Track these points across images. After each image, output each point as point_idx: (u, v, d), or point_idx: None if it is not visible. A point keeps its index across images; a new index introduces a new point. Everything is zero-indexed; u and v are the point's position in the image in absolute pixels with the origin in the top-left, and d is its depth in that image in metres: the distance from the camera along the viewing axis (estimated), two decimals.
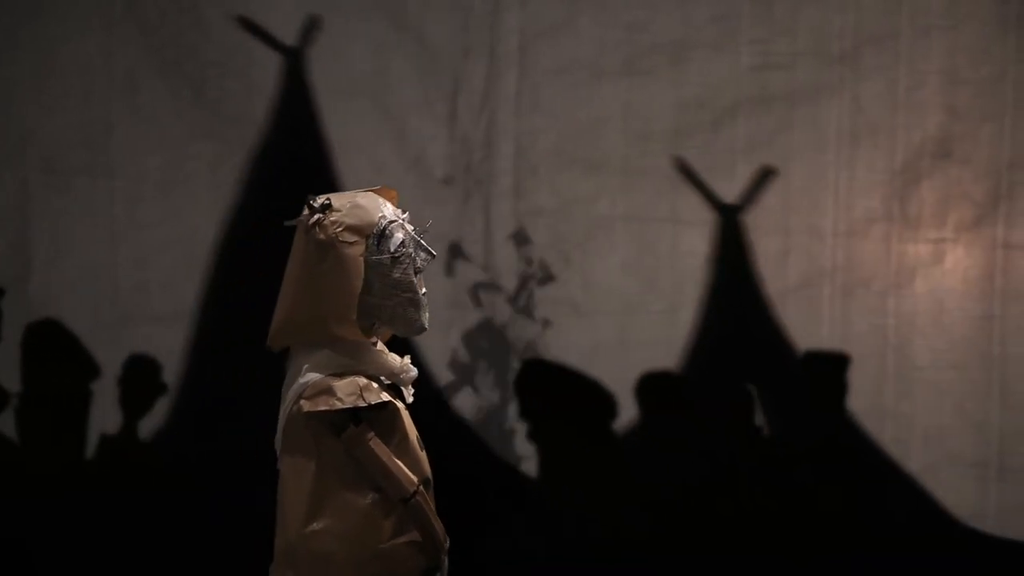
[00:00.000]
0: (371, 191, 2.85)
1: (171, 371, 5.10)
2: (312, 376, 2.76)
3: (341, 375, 2.75)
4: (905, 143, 5.02)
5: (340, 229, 2.74)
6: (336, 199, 2.79)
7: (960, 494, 5.06)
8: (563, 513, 5.00)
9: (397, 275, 2.80)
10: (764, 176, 4.97)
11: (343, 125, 5.01)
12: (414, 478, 2.80)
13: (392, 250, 2.77)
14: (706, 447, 5.01)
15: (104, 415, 5.07)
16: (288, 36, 5.02)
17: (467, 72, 5.02)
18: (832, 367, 5.01)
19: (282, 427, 2.84)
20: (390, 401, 2.79)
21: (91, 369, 5.09)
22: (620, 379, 5.07)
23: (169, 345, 5.11)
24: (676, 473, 5.00)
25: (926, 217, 5.04)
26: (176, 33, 5.02)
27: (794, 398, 5.06)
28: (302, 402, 2.76)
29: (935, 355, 5.05)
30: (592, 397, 5.04)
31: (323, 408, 2.73)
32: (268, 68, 5.00)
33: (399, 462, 2.79)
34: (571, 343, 5.09)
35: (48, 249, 5.13)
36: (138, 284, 5.11)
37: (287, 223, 2.83)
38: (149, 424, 5.10)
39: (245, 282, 4.85)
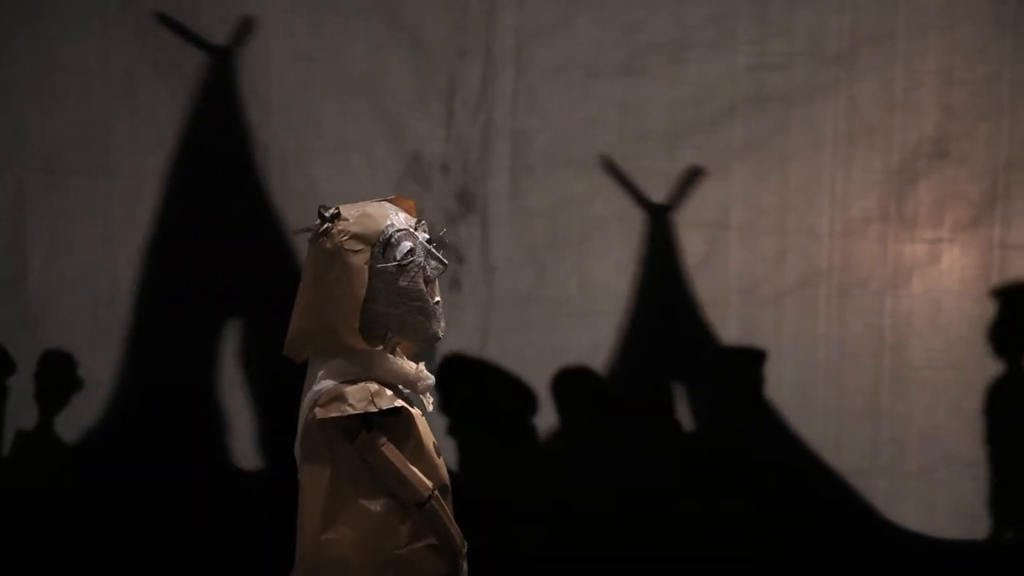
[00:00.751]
0: (387, 200, 2.87)
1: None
2: (326, 384, 2.78)
3: (354, 382, 2.77)
4: (901, 143, 5.02)
5: (346, 238, 2.76)
6: (346, 209, 2.82)
7: (956, 494, 5.06)
8: (480, 508, 4.97)
9: (404, 283, 2.80)
10: (692, 175, 4.97)
11: (339, 125, 5.02)
12: (428, 483, 2.80)
13: (398, 258, 2.78)
14: (629, 446, 5.00)
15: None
16: (285, 35, 5.03)
17: (463, 72, 5.03)
18: (751, 363, 5.01)
19: (300, 435, 2.85)
20: (403, 406, 2.80)
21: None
22: (614, 378, 5.07)
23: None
24: (597, 473, 4.99)
25: (923, 217, 5.04)
26: (172, 33, 5.03)
27: (720, 397, 5.05)
28: (316, 409, 2.77)
29: (931, 355, 5.05)
30: (513, 394, 5.03)
31: (335, 414, 2.74)
32: (262, 67, 5.01)
33: (413, 468, 2.79)
34: (568, 343, 5.09)
35: (46, 249, 5.14)
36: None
37: (295, 232, 2.85)
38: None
39: (166, 284, 4.92)
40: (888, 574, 5.04)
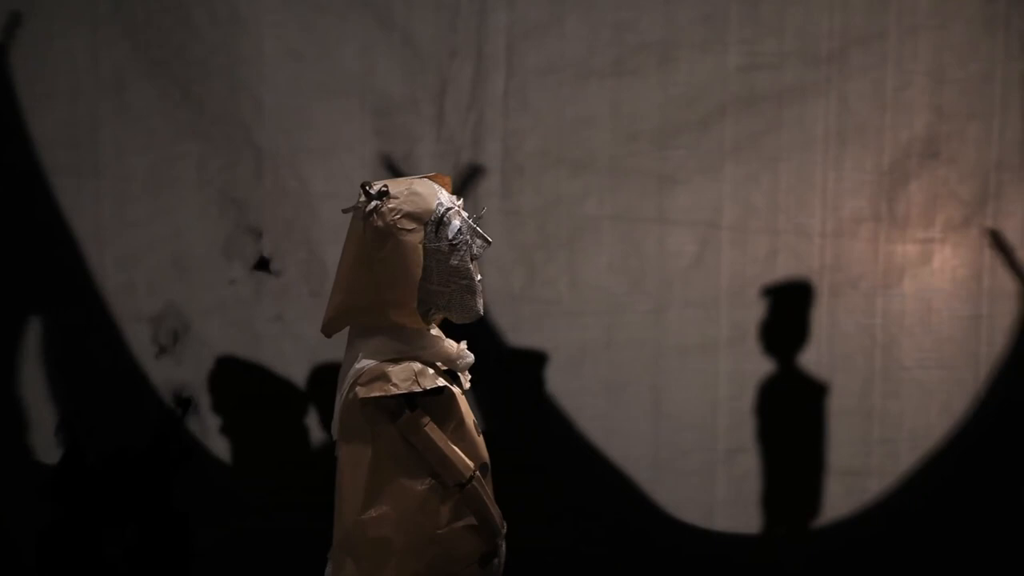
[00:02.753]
0: (426, 178, 2.85)
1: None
2: (367, 363, 2.76)
3: (396, 361, 2.75)
4: (893, 143, 5.03)
5: (398, 216, 2.75)
6: (392, 186, 2.79)
7: None
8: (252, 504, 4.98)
9: (455, 262, 2.81)
10: (473, 173, 4.96)
11: (331, 124, 5.01)
12: (470, 463, 2.79)
13: (450, 237, 2.79)
14: None
15: None
16: (282, 35, 5.01)
17: (454, 72, 5.02)
18: (533, 365, 5.02)
19: (338, 414, 2.82)
20: (445, 386, 2.79)
21: None
22: (607, 378, 5.07)
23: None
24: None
25: (914, 217, 5.04)
26: (163, 33, 5.01)
27: (500, 398, 5.05)
28: (357, 389, 2.75)
29: (922, 355, 5.06)
30: (284, 393, 5.03)
31: (378, 394, 2.73)
32: (254, 66, 5.00)
33: (455, 447, 2.78)
34: (559, 342, 5.09)
35: (36, 248, 5.13)
36: (124, 284, 5.10)
37: (344, 210, 2.83)
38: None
39: None
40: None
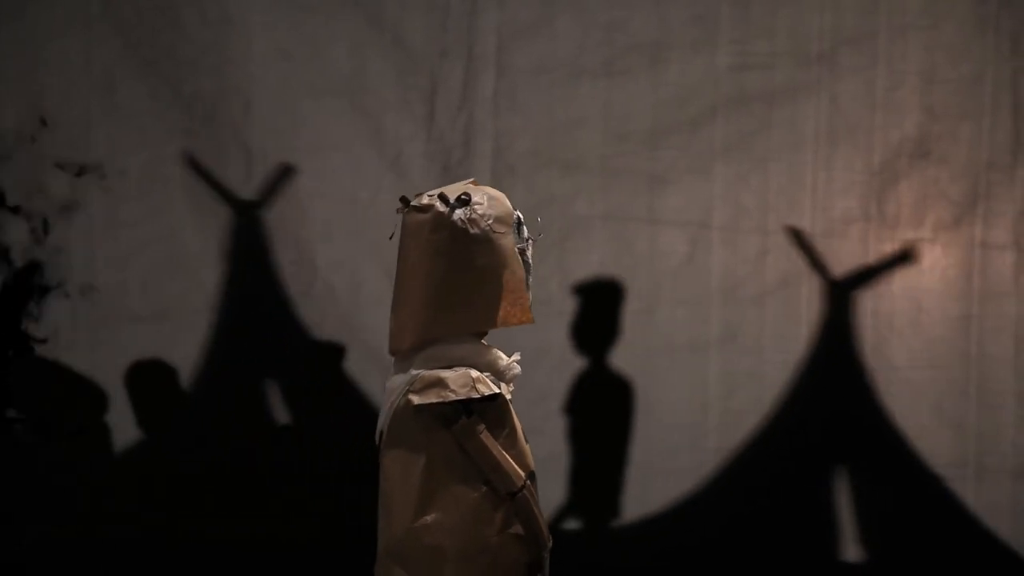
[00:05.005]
0: (469, 183, 2.86)
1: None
2: (420, 371, 2.76)
3: (451, 368, 2.76)
4: (883, 143, 5.03)
5: (491, 221, 2.77)
6: (474, 193, 2.80)
7: None
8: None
9: (529, 261, 2.85)
10: (283, 173, 4.97)
11: (321, 124, 5.01)
12: (521, 472, 2.80)
13: (526, 237, 2.82)
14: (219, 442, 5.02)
15: None
16: (272, 34, 5.02)
17: (445, 72, 5.02)
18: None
19: (386, 422, 2.82)
20: (499, 393, 2.80)
21: None
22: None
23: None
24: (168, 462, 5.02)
25: (904, 217, 5.04)
26: (154, 32, 5.02)
27: (317, 396, 5.07)
28: (411, 396, 2.76)
29: (912, 355, 5.05)
30: (81, 392, 5.03)
31: (434, 400, 2.74)
32: (243, 67, 5.00)
33: (507, 456, 2.79)
34: (551, 342, 5.09)
35: (27, 248, 5.13)
36: (117, 284, 5.10)
37: (408, 211, 2.81)
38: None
39: None
40: None
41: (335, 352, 5.07)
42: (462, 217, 2.76)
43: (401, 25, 4.99)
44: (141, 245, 5.10)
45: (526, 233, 2.83)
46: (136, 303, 5.11)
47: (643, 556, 4.97)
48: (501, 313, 2.78)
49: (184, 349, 5.12)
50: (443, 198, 2.77)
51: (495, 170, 5.03)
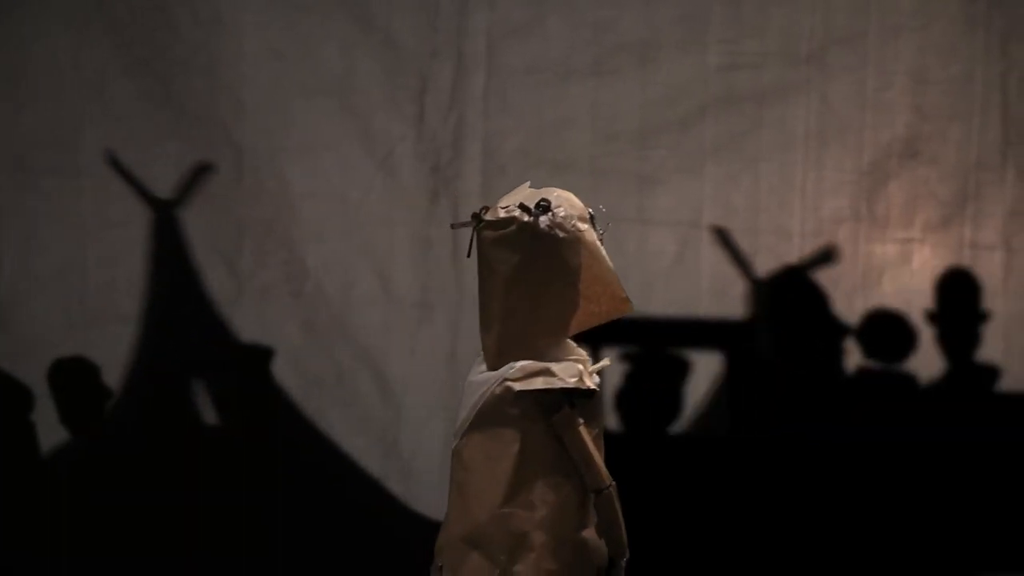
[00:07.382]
0: (527, 188, 2.86)
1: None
2: (520, 362, 2.76)
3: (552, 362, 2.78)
4: (873, 143, 5.03)
5: (576, 221, 2.77)
6: (552, 198, 2.80)
7: None
8: None
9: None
10: (200, 170, 4.97)
11: (311, 124, 5.01)
12: (607, 472, 2.81)
13: (600, 231, 2.83)
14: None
15: None
16: (263, 34, 5.02)
17: (434, 72, 5.02)
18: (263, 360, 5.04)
19: (472, 412, 2.80)
20: (597, 391, 2.81)
21: None
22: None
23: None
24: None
25: (894, 217, 5.05)
26: (144, 32, 5.02)
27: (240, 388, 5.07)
28: (509, 383, 2.75)
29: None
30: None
31: (540, 387, 2.74)
32: (235, 66, 5.00)
33: (598, 453, 2.80)
34: None
35: (17, 249, 5.13)
36: (107, 284, 5.10)
37: (456, 226, 2.82)
38: None
39: None
40: None
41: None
42: (548, 223, 2.76)
43: (391, 25, 4.99)
44: (131, 245, 5.10)
45: (598, 228, 2.84)
46: (126, 303, 5.11)
47: None
48: (605, 307, 2.79)
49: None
50: (524, 208, 2.76)
51: (485, 170, 5.03)
